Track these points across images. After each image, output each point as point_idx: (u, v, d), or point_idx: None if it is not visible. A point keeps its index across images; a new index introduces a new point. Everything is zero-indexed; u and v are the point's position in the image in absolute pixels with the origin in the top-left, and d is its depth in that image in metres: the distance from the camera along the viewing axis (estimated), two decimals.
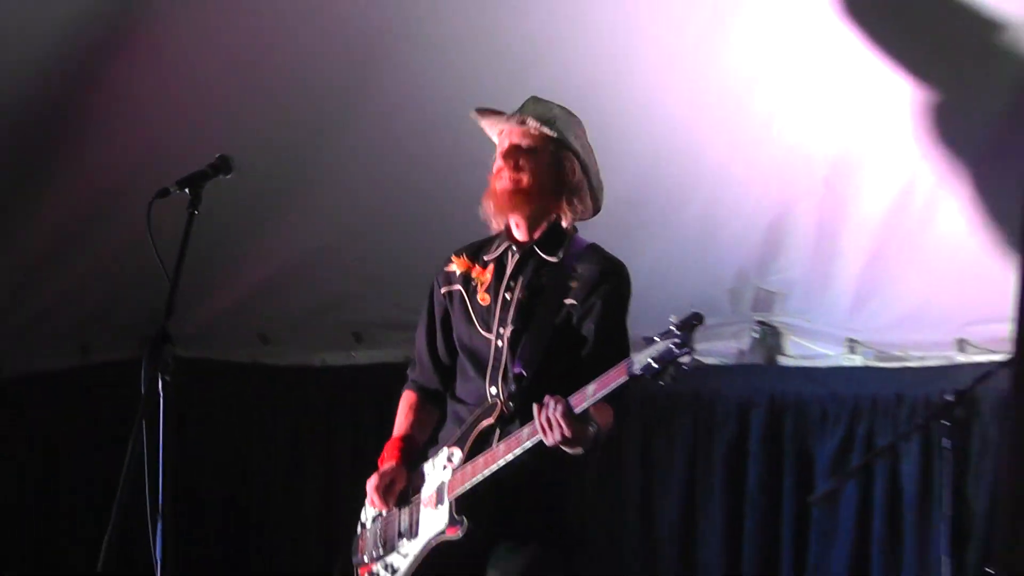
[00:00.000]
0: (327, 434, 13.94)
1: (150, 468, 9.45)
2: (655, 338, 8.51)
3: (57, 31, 11.62)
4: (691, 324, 8.52)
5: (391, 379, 11.82)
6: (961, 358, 12.15)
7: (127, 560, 10.92)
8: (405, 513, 9.89)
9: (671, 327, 8.52)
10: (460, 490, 9.41)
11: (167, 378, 8.91)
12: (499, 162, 10.01)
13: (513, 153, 9.83)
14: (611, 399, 8.94)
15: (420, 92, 12.89)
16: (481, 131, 10.83)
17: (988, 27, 11.17)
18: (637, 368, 8.47)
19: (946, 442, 11.35)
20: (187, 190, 9.20)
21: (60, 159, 12.66)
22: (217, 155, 9.51)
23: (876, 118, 12.04)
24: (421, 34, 12.59)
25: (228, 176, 9.66)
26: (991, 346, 11.67)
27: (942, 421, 11.32)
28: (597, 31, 12.12)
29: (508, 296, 9.78)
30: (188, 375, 9.62)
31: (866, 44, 11.62)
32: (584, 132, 10.28)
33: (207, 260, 11.34)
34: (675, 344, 8.31)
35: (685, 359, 8.36)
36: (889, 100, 11.84)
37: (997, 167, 11.61)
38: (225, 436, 13.09)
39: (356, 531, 10.48)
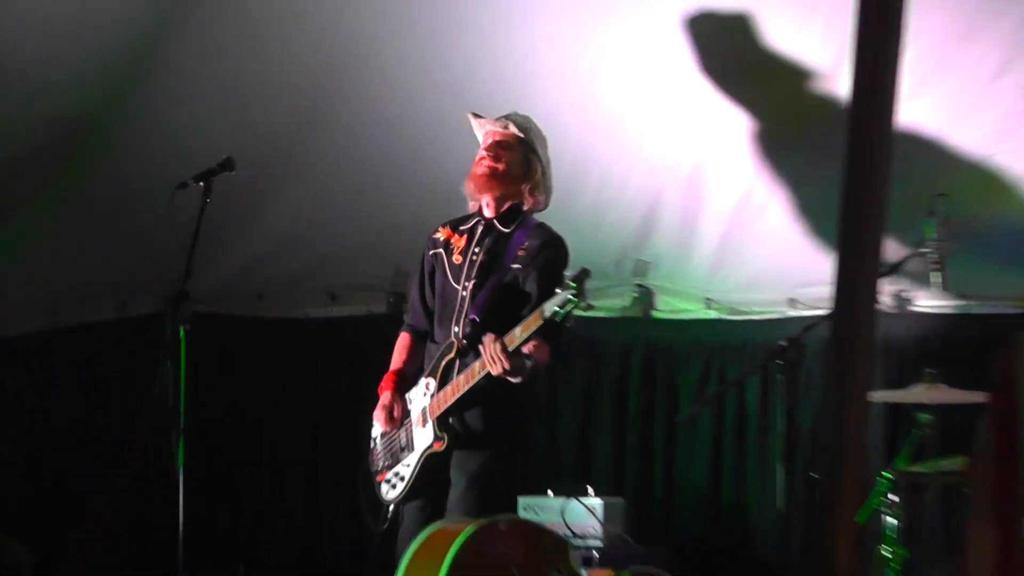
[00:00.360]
0: (311, 371, 14.96)
1: (173, 396, 11.18)
2: (557, 291, 10.25)
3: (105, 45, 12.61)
4: (581, 278, 10.12)
5: (358, 328, 14.47)
6: (792, 313, 13.68)
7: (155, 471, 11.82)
8: (403, 432, 11.40)
9: (568, 281, 10.25)
10: (438, 413, 11.02)
11: (186, 327, 10.93)
12: (481, 153, 11.56)
13: (493, 146, 11.38)
14: (548, 339, 10.86)
15: (376, 108, 13.46)
16: (418, 137, 13.08)
17: (801, 75, 12.48)
18: (547, 313, 10.13)
19: (780, 377, 12.53)
20: (201, 183, 11.09)
21: (103, 150, 13.45)
22: (224, 156, 11.26)
23: (723, 140, 13.36)
24: (377, 63, 13.17)
25: (232, 172, 11.27)
26: (815, 304, 13.12)
27: (777, 361, 12.49)
28: (515, 64, 13.15)
29: (473, 258, 11.23)
30: (201, 325, 11.41)
31: (715, 88, 12.95)
32: (546, 147, 11.74)
33: (216, 234, 12.24)
34: (572, 294, 9.95)
35: (581, 304, 10.11)
36: (731, 128, 13.20)
37: (812, 179, 12.90)
38: (228, 373, 14.18)
39: (370, 446, 11.86)
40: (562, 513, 11.99)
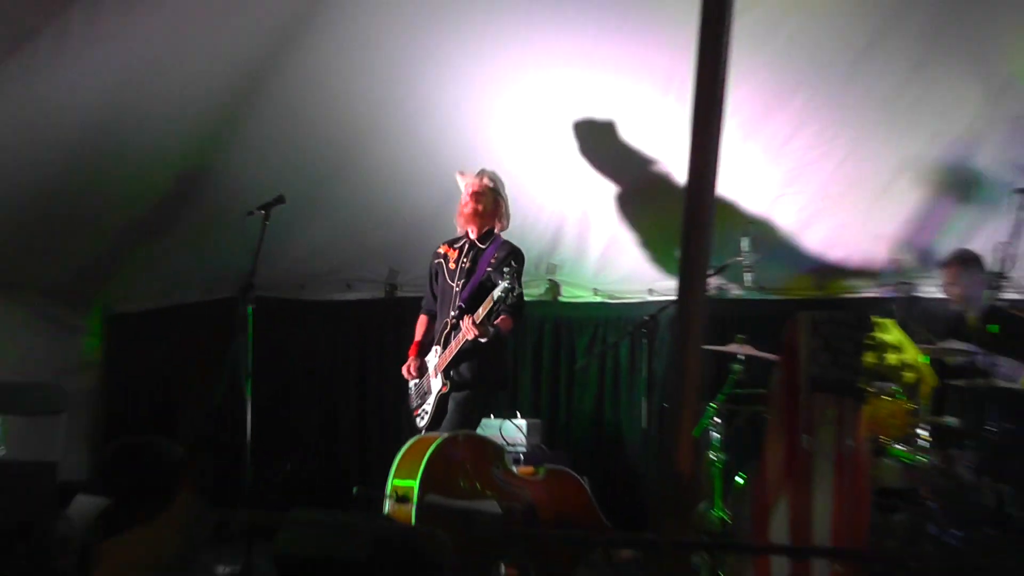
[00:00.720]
0: (332, 334, 15.24)
1: (243, 364, 11.46)
2: (500, 283, 11.06)
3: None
4: (514, 270, 11.27)
5: (364, 307, 14.80)
6: (650, 298, 14.04)
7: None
8: (425, 381, 12.31)
9: (504, 275, 11.08)
10: (442, 367, 12.02)
11: (252, 307, 11.29)
12: (465, 199, 12.28)
13: (474, 195, 12.16)
14: (510, 314, 11.84)
15: (380, 161, 13.74)
16: (405, 180, 13.47)
17: (648, 161, 12.92)
18: (495, 297, 11.23)
19: (643, 340, 12.97)
20: (262, 211, 11.45)
21: (204, 188, 13.60)
22: (278, 193, 11.63)
23: (600, 195, 13.66)
24: (381, 127, 13.33)
25: (283, 204, 11.50)
26: (666, 292, 13.53)
27: (642, 330, 12.80)
28: (471, 132, 13.39)
29: (462, 265, 12.08)
30: (262, 305, 11.70)
31: (594, 167, 13.29)
32: (505, 189, 12.38)
33: (272, 244, 11.84)
34: (507, 285, 10.90)
35: (514, 292, 11.03)
36: (605, 188, 13.58)
37: (656, 219, 13.40)
38: (281, 337, 13.97)
39: (407, 391, 12.63)
40: (500, 429, 12.54)
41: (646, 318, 12.90)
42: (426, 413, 12.09)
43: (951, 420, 10.45)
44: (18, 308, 13.95)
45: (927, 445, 10.16)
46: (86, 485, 10.82)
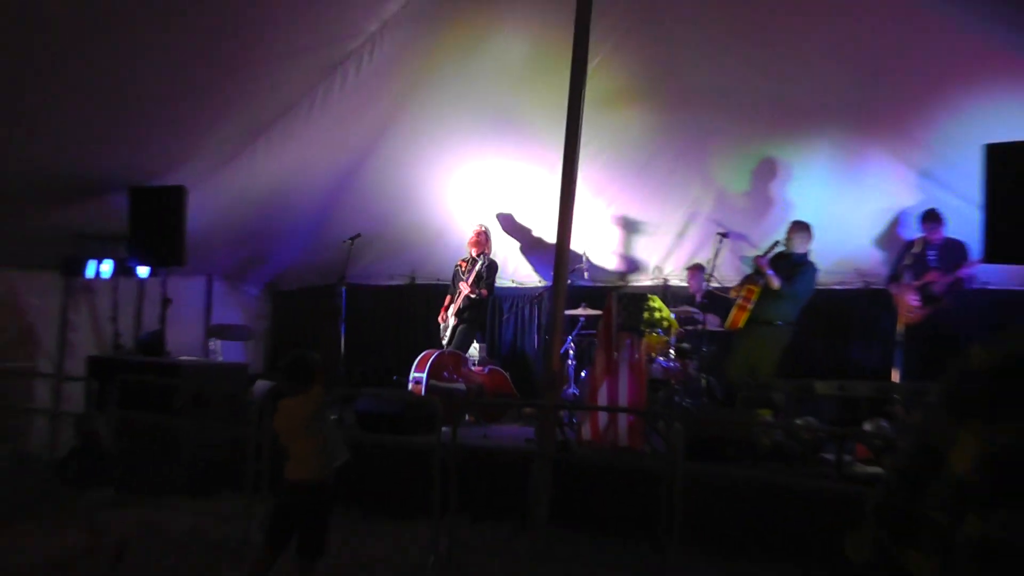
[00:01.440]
0: (387, 303, 14.01)
1: (340, 317, 11.20)
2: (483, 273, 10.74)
3: None
4: (482, 273, 10.99)
5: (400, 290, 13.91)
6: (541, 285, 12.96)
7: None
8: (450, 323, 11.58)
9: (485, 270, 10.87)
10: (455, 312, 11.51)
11: (345, 289, 10.97)
12: (472, 237, 11.63)
13: (475, 236, 11.46)
14: (487, 289, 11.48)
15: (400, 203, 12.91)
16: (414, 219, 12.74)
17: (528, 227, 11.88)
18: (477, 269, 11.18)
19: (538, 307, 12.80)
20: (351, 239, 11.07)
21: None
22: (357, 232, 11.30)
23: (511, 238, 12.87)
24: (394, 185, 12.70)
25: (360, 236, 11.21)
26: (548, 282, 12.04)
27: (536, 300, 12.80)
28: (436, 199, 12.71)
29: (468, 269, 11.41)
30: (352, 289, 11.50)
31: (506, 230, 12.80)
32: (490, 233, 11.80)
33: (354, 256, 11.54)
34: (485, 263, 10.52)
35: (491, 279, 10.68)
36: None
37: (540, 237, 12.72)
38: (359, 307, 12.76)
39: (440, 328, 11.85)
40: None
41: (538, 294, 12.85)
42: (446, 338, 11.62)
43: (685, 345, 10.47)
44: (233, 289, 13.71)
45: (674, 357, 10.24)
46: (262, 375, 10.90)
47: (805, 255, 10.22)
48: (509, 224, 12.89)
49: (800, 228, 10.23)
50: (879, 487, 1.55)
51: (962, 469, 1.36)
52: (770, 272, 10.04)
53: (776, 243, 10.26)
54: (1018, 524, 1.29)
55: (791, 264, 10.13)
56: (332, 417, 8.88)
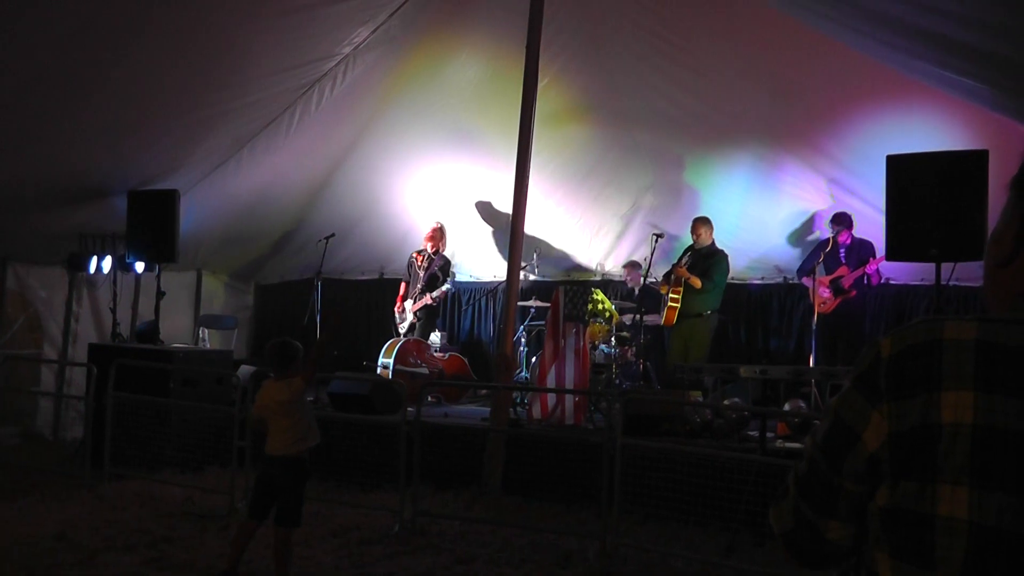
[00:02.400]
0: (359, 297, 13.74)
1: (315, 308, 11.00)
2: (442, 276, 10.74)
3: None
4: (448, 270, 10.95)
5: (369, 285, 13.66)
6: (497, 279, 12.58)
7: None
8: (403, 314, 11.41)
9: (441, 271, 10.91)
10: (414, 310, 11.25)
11: (319, 283, 10.76)
12: (429, 232, 11.41)
13: (431, 232, 11.23)
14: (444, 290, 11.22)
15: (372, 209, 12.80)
16: (388, 221, 12.52)
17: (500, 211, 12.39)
18: (445, 288, 10.92)
19: (493, 300, 12.70)
20: (326, 239, 10.97)
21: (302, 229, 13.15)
22: (332, 232, 11.23)
23: (468, 236, 12.73)
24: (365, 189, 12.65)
25: (334, 236, 11.20)
26: (502, 277, 11.83)
27: (492, 292, 12.59)
28: (405, 201, 12.51)
29: (424, 264, 11.25)
30: (326, 282, 11.33)
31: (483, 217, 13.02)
32: (445, 230, 11.66)
33: (330, 253, 11.46)
34: (449, 283, 10.46)
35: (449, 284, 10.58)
36: (470, 232, 12.75)
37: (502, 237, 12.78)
38: (333, 298, 12.75)
39: (395, 318, 11.65)
40: (428, 336, 12.00)
41: (492, 288, 12.71)
42: (403, 328, 11.45)
43: (624, 334, 10.47)
44: (220, 283, 13.58)
45: (614, 344, 10.23)
46: (246, 361, 10.79)
47: (713, 245, 10.24)
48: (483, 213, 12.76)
49: (704, 223, 10.26)
50: (800, 462, 1.54)
51: (874, 447, 1.39)
52: (691, 276, 10.02)
53: (687, 251, 10.24)
54: (919, 493, 1.33)
55: (703, 257, 10.14)
56: (308, 399, 8.85)
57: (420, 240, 11.94)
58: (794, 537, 1.55)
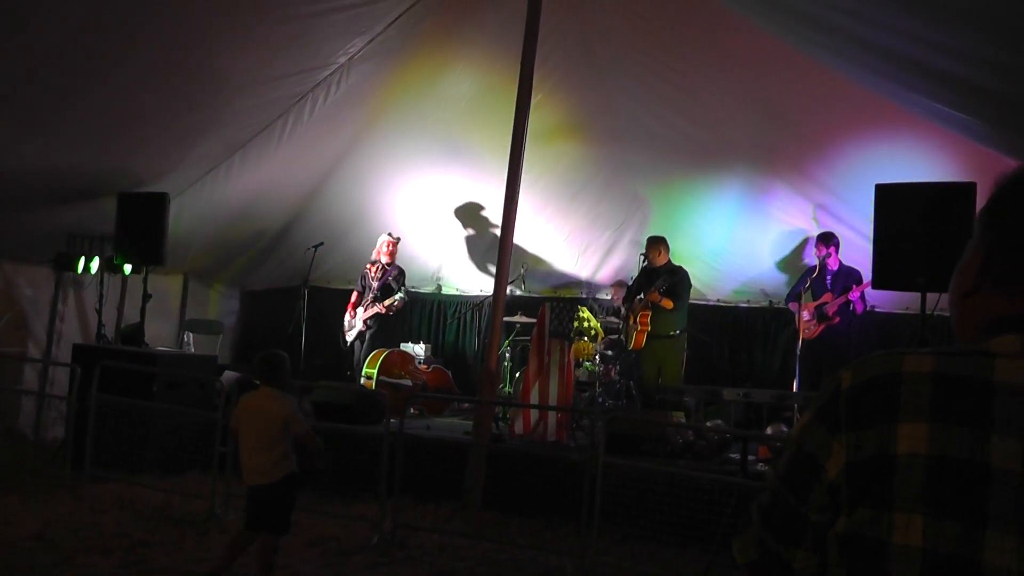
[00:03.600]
0: (336, 304, 12.82)
1: (301, 314, 11.15)
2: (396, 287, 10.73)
3: None
4: (402, 281, 10.83)
5: (347, 294, 13.28)
6: (482, 293, 12.60)
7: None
8: (352, 321, 11.30)
9: (396, 281, 10.82)
10: (366, 318, 11.01)
11: (307, 290, 10.80)
12: (385, 249, 11.15)
13: (386, 245, 11.03)
14: (404, 300, 11.06)
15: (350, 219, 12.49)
16: (361, 229, 11.83)
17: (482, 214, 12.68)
18: (400, 296, 10.67)
19: (478, 313, 12.74)
20: (314, 247, 11.00)
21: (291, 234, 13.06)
22: (320, 240, 11.22)
23: (456, 248, 12.79)
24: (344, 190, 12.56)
25: (323, 244, 11.24)
26: (488, 291, 11.12)
27: (477, 306, 12.70)
28: (389, 207, 12.44)
29: (378, 275, 11.07)
30: (312, 290, 11.32)
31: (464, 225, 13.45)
32: (398, 241, 11.43)
33: (318, 263, 11.53)
34: (403, 293, 10.40)
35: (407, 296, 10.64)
36: (457, 244, 12.81)
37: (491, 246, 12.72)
38: (319, 306, 12.37)
39: (344, 325, 11.52)
40: (413, 348, 11.81)
41: (479, 302, 12.68)
42: (351, 336, 11.38)
43: (609, 352, 10.51)
44: (206, 287, 13.49)
45: (599, 363, 10.27)
46: (229, 367, 10.77)
47: (670, 263, 10.21)
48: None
49: (661, 242, 10.21)
50: (763, 494, 1.56)
51: (833, 475, 1.42)
52: (663, 298, 9.97)
53: (662, 278, 10.12)
54: (874, 521, 1.36)
55: (668, 277, 10.08)
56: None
57: (409, 252, 11.97)
58: (759, 569, 1.57)
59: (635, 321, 10.08)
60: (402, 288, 11.29)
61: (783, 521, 1.51)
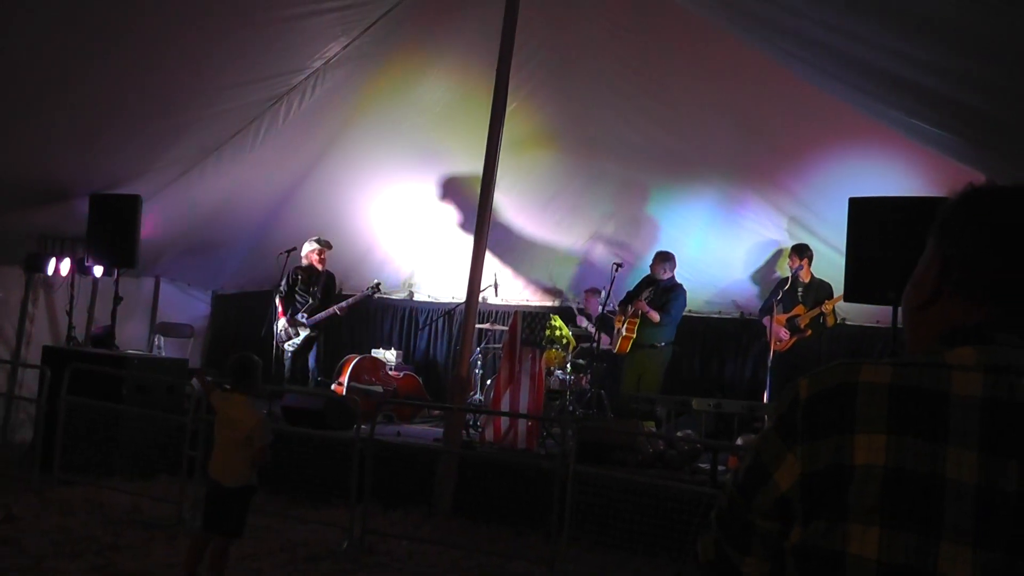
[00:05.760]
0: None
1: (272, 316, 11.16)
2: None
3: None
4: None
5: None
6: (454, 300, 12.18)
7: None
8: (293, 329, 10.96)
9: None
10: (311, 324, 10.91)
11: (277, 296, 10.93)
12: (316, 256, 11.02)
13: (318, 252, 10.90)
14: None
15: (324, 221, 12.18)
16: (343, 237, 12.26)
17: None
18: (343, 308, 10.71)
19: (449, 319, 12.75)
20: (287, 252, 10.74)
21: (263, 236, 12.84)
22: (293, 246, 11.18)
23: (428, 254, 12.82)
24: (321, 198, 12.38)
25: (295, 250, 11.08)
26: (460, 299, 12.67)
27: (448, 314, 12.56)
28: (361, 216, 12.54)
29: (312, 281, 10.96)
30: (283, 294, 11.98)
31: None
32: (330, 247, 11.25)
33: (289, 267, 11.01)
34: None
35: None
36: (429, 251, 12.67)
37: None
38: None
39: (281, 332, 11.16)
40: (384, 354, 11.88)
41: (451, 309, 12.59)
42: (295, 345, 11.07)
43: (580, 360, 10.54)
44: (179, 291, 13.38)
45: (570, 371, 10.30)
46: (199, 369, 10.75)
47: (672, 279, 10.33)
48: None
49: (666, 257, 10.34)
50: (722, 497, 1.59)
51: (785, 487, 1.44)
52: (650, 311, 10.08)
53: (648, 289, 10.30)
54: (829, 532, 1.38)
55: (661, 291, 10.24)
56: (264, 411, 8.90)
57: (381, 257, 12.05)
58: (714, 570, 1.60)
59: (623, 327, 10.17)
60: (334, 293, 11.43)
61: (736, 527, 1.55)
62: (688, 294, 10.53)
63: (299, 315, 11.07)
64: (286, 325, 11.10)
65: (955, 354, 1.44)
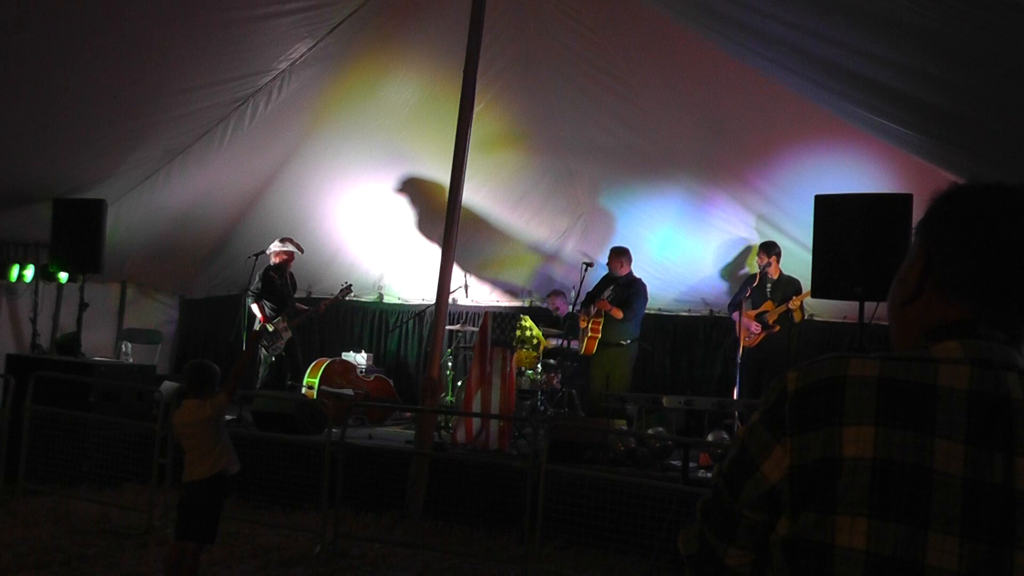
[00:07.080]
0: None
1: (242, 323, 11.27)
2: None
3: None
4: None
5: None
6: (424, 302, 12.31)
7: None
8: (278, 333, 11.00)
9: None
10: (295, 326, 11.00)
11: (245, 300, 10.97)
12: (285, 256, 11.05)
13: (287, 252, 10.93)
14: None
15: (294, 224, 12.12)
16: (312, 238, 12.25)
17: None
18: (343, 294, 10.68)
19: (419, 321, 12.68)
20: (256, 255, 10.86)
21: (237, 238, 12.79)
22: (261, 249, 11.27)
23: (397, 257, 12.59)
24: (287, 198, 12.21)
25: (265, 252, 11.30)
26: (431, 300, 12.15)
27: (419, 315, 12.57)
28: (330, 217, 12.43)
29: (286, 281, 11.03)
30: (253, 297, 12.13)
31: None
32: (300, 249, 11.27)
33: (257, 269, 11.17)
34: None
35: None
36: (398, 254, 12.50)
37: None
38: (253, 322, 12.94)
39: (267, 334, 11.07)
40: (354, 357, 11.84)
41: (421, 311, 12.61)
42: (278, 348, 11.06)
43: (551, 361, 10.55)
44: (146, 296, 13.28)
45: (541, 371, 10.32)
46: (168, 377, 10.67)
47: (630, 274, 10.36)
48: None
49: (623, 253, 10.37)
50: (709, 489, 1.61)
51: (774, 479, 1.45)
52: (613, 308, 10.10)
53: (609, 288, 10.33)
54: (819, 524, 1.39)
55: (621, 287, 10.25)
56: (230, 418, 8.88)
57: (350, 259, 12.01)
58: (697, 562, 1.62)
59: (588, 327, 10.19)
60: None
61: (720, 518, 1.56)
62: (658, 292, 10.61)
63: (279, 317, 11.07)
64: (277, 327, 11.10)
65: (941, 348, 1.47)
